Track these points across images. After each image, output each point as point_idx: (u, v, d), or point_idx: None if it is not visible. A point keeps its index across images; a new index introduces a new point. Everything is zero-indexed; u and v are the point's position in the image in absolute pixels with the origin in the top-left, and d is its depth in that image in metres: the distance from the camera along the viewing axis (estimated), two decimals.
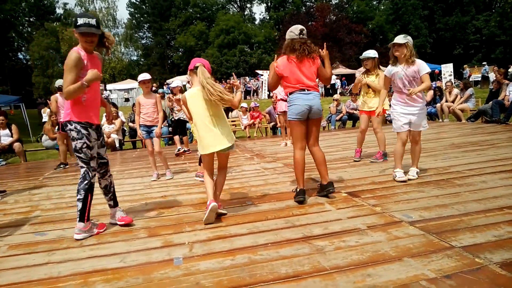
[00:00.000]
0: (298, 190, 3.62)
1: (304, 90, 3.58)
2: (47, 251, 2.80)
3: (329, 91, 26.22)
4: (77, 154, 3.01)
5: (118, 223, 3.27)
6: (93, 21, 2.89)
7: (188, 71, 3.37)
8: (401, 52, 3.93)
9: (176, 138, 7.86)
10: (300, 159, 3.64)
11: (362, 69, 5.65)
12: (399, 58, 3.99)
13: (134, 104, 8.70)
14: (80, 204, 2.98)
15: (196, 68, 3.23)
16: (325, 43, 3.88)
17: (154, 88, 26.17)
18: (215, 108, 3.26)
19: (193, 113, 3.30)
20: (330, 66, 3.75)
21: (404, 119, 4.07)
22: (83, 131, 2.98)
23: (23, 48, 41.75)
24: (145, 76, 5.20)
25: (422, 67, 3.94)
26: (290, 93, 3.63)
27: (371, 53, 5.33)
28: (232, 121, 11.33)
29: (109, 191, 3.31)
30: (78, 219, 2.99)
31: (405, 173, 4.15)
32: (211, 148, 3.25)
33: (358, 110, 5.76)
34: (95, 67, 2.98)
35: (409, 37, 3.97)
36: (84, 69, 2.92)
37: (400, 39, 3.93)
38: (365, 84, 5.36)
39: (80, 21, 2.85)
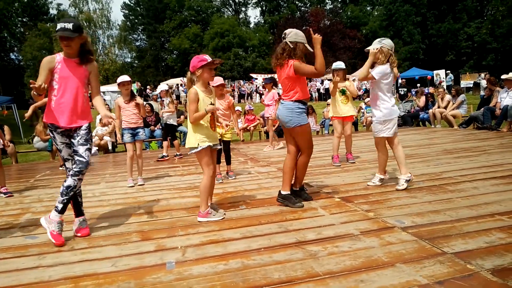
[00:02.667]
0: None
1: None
2: (38, 255, 2.76)
3: (323, 95, 26.36)
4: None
5: (77, 234, 3.14)
6: (69, 25, 2.87)
7: (196, 70, 3.23)
8: (381, 58, 3.91)
9: (165, 144, 7.79)
10: (285, 162, 3.73)
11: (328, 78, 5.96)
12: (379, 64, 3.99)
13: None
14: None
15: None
16: (310, 28, 3.65)
17: (148, 91, 26.04)
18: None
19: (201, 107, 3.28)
20: (318, 56, 3.37)
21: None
22: (51, 134, 3.11)
23: (16, 49, 41.42)
24: (124, 78, 5.11)
25: (373, 72, 3.91)
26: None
27: (342, 64, 5.73)
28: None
29: (67, 195, 2.99)
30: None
31: (387, 185, 4.17)
32: (216, 140, 3.38)
33: (330, 117, 6.06)
34: (72, 72, 2.96)
35: (384, 41, 3.90)
36: (54, 72, 2.94)
37: (373, 45, 3.93)
38: (337, 88, 5.60)
39: (58, 26, 2.89)
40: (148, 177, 5.56)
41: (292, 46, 3.47)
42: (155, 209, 3.85)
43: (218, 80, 4.82)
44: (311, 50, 3.47)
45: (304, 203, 3.67)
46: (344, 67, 5.76)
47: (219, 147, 3.54)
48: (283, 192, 3.67)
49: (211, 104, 3.29)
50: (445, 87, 20.15)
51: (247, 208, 3.68)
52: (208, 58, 3.20)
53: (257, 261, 2.44)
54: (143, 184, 5.10)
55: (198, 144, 3.25)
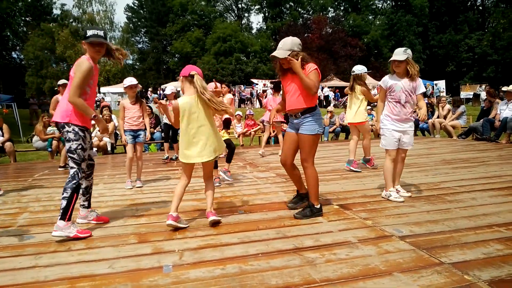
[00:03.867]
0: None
1: None
2: (34, 254, 2.75)
3: (323, 102, 26.42)
4: (70, 155, 3.09)
5: (93, 222, 3.43)
6: (101, 33, 3.13)
7: (181, 77, 3.27)
8: (401, 67, 3.81)
9: (166, 145, 7.79)
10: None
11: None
12: (398, 73, 3.86)
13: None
14: (64, 202, 3.01)
15: (192, 76, 3.19)
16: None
17: (149, 93, 26.14)
18: (209, 118, 3.26)
19: (184, 121, 3.22)
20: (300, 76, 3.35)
21: (395, 136, 3.92)
22: (81, 133, 3.10)
23: (18, 48, 41.49)
24: (132, 80, 5.15)
25: (421, 85, 3.88)
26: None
27: (365, 68, 5.76)
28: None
29: (88, 192, 3.46)
30: (59, 217, 3.01)
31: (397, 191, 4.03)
32: (197, 159, 3.24)
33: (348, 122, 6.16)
34: (96, 75, 3.22)
35: (409, 51, 3.83)
36: (92, 78, 3.11)
37: (399, 55, 3.78)
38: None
39: (90, 32, 3.09)
40: (147, 180, 5.56)
41: (301, 57, 3.49)
42: (153, 211, 3.85)
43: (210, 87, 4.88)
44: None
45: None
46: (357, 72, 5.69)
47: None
48: (316, 206, 3.52)
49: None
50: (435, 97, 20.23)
51: (245, 213, 3.68)
52: (193, 72, 3.20)
53: (254, 266, 2.44)
54: (142, 186, 5.09)
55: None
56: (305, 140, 3.43)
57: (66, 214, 3.00)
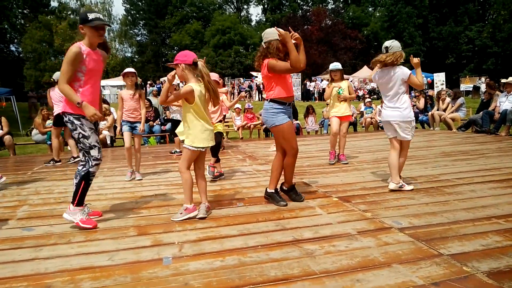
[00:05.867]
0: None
1: None
2: (34, 247, 2.76)
3: (322, 96, 26.36)
4: (78, 144, 3.12)
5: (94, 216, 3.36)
6: (101, 16, 3.09)
7: (182, 65, 3.17)
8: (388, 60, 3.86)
9: (177, 139, 7.74)
10: (273, 161, 3.78)
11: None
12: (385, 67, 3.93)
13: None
14: (74, 187, 3.10)
15: (195, 63, 3.15)
16: (289, 27, 3.59)
17: (148, 86, 26.03)
18: (207, 105, 3.31)
19: (197, 107, 3.18)
20: (290, 51, 3.30)
21: (387, 126, 4.04)
22: (76, 122, 3.04)
23: (16, 40, 41.22)
24: (129, 68, 5.09)
25: (404, 72, 3.85)
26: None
27: (339, 65, 5.86)
28: (225, 122, 11.29)
29: (88, 182, 3.27)
30: (71, 200, 3.11)
31: (384, 186, 4.10)
32: (210, 143, 3.30)
33: (329, 117, 6.05)
34: (95, 63, 3.07)
35: (394, 43, 3.87)
36: (83, 63, 2.99)
37: (384, 46, 3.92)
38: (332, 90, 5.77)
39: (91, 16, 2.99)
40: (147, 172, 5.56)
41: (265, 46, 3.48)
42: (153, 204, 3.85)
43: (212, 77, 4.74)
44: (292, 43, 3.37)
45: (303, 201, 3.68)
46: (341, 67, 5.85)
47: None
48: (268, 190, 3.72)
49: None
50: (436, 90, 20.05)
51: (245, 205, 3.68)
52: (196, 59, 3.17)
53: (253, 258, 2.45)
54: (141, 179, 5.09)
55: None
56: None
57: (75, 199, 3.09)
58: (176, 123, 7.59)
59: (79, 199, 3.10)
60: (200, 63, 3.15)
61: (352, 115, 10.52)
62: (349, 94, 5.77)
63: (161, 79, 26.01)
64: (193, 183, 3.33)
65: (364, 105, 12.42)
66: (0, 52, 38.93)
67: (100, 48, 3.19)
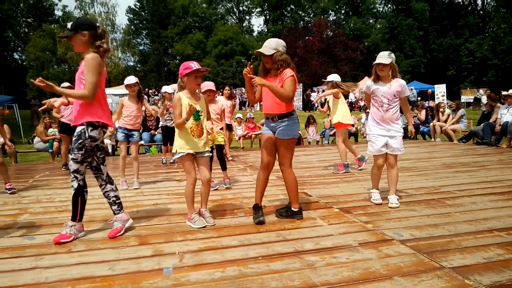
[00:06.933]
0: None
1: None
2: (35, 256, 2.75)
3: (323, 106, 26.42)
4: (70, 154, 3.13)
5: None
6: (68, 25, 2.99)
7: (183, 77, 3.26)
8: (385, 71, 3.77)
9: (164, 149, 7.74)
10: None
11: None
12: (382, 77, 3.82)
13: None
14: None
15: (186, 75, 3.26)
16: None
17: (151, 95, 26.11)
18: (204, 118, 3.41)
19: (191, 117, 3.29)
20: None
21: (381, 141, 3.83)
22: (103, 133, 3.12)
23: (19, 49, 41.56)
24: (130, 80, 5.13)
25: (405, 89, 3.82)
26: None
27: (336, 77, 5.99)
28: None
29: (107, 197, 3.33)
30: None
31: (384, 198, 3.97)
32: (202, 148, 3.36)
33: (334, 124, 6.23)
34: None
35: (392, 55, 3.77)
36: (103, 75, 3.00)
37: (384, 58, 3.71)
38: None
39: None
40: (147, 181, 5.56)
41: None
42: (153, 213, 3.85)
43: (206, 86, 4.62)
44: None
45: (304, 212, 3.64)
46: (333, 79, 5.94)
47: (206, 154, 3.41)
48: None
49: (198, 110, 3.32)
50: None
51: (246, 215, 3.67)
52: (194, 66, 3.21)
53: (254, 269, 2.44)
54: (139, 188, 5.08)
55: (177, 150, 3.32)
56: (282, 144, 3.40)
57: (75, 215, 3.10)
58: (169, 130, 7.24)
59: (80, 215, 3.11)
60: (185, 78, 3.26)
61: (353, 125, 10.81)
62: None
63: (165, 86, 26.12)
64: (190, 194, 3.35)
65: (366, 115, 12.46)
66: (3, 60, 39.21)
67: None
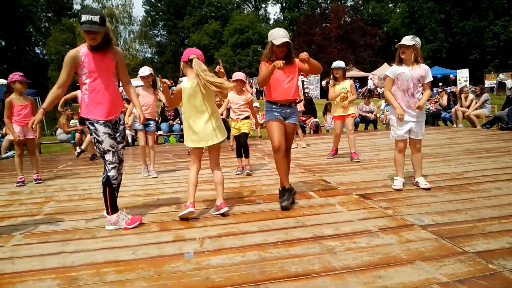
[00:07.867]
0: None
1: None
2: (61, 241, 2.85)
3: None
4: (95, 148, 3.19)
5: (128, 227, 3.10)
6: (96, 18, 2.77)
7: (182, 63, 3.27)
8: (408, 54, 3.71)
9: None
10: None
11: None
12: (405, 60, 3.76)
13: None
14: (103, 197, 3.07)
15: (191, 60, 3.15)
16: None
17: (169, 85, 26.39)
18: (210, 102, 3.27)
19: (188, 106, 3.25)
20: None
21: (406, 127, 3.81)
22: (91, 127, 3.00)
23: (40, 43, 42.42)
24: (143, 72, 5.16)
25: (429, 74, 3.77)
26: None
27: (342, 63, 5.89)
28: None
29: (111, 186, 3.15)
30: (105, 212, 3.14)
31: (407, 184, 3.97)
32: (202, 143, 3.27)
33: (333, 116, 6.19)
34: (99, 62, 2.94)
35: (417, 39, 3.73)
36: (82, 66, 2.91)
37: (407, 40, 3.68)
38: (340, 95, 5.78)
39: (84, 18, 2.77)
40: (167, 170, 5.65)
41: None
42: (174, 201, 3.91)
43: (237, 76, 4.97)
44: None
45: (322, 199, 3.67)
46: (344, 66, 5.87)
47: (214, 142, 3.30)
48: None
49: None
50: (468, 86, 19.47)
51: (264, 202, 3.69)
52: (192, 56, 3.16)
53: (274, 254, 2.46)
54: (156, 177, 5.18)
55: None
56: (293, 128, 3.66)
57: (107, 208, 3.03)
58: None
59: (111, 207, 3.02)
60: (195, 60, 3.13)
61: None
62: (352, 95, 5.79)
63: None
64: (193, 182, 3.34)
65: (385, 102, 12.23)
66: (25, 55, 40.13)
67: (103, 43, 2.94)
